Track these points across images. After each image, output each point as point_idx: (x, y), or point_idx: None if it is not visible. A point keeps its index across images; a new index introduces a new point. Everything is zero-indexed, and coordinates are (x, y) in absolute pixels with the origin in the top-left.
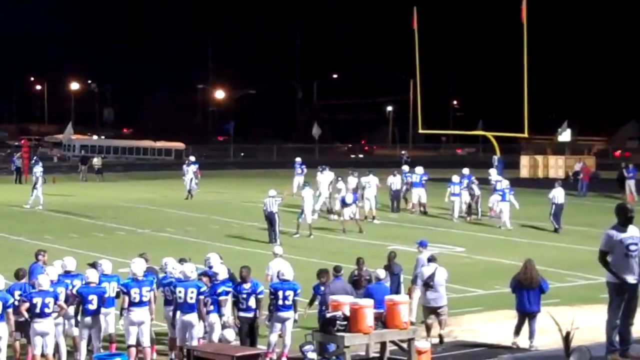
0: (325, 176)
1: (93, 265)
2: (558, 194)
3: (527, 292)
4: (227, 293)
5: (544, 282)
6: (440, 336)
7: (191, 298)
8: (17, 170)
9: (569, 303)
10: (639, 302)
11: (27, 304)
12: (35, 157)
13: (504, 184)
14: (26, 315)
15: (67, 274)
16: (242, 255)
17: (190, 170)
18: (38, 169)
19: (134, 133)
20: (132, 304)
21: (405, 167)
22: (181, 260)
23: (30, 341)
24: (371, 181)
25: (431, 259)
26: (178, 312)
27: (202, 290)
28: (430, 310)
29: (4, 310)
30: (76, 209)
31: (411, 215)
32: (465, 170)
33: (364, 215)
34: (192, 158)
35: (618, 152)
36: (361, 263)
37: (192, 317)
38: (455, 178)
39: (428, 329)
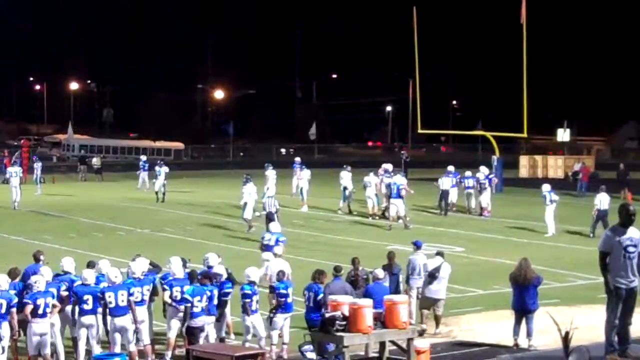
0: (271, 173)
1: (89, 265)
2: (603, 199)
3: (521, 291)
4: (228, 294)
5: (537, 278)
6: (435, 333)
7: (122, 301)
8: None
9: (568, 303)
10: (637, 302)
11: (31, 306)
12: (34, 158)
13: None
14: (30, 317)
15: (64, 274)
16: (242, 255)
17: (163, 172)
18: (14, 169)
19: (133, 133)
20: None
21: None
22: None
23: (28, 341)
24: (372, 180)
25: (439, 253)
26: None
27: (131, 291)
28: (430, 302)
29: (7, 309)
30: (76, 209)
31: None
32: (483, 169)
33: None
34: (144, 157)
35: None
36: (357, 263)
37: (126, 320)
38: (468, 173)
39: (423, 317)
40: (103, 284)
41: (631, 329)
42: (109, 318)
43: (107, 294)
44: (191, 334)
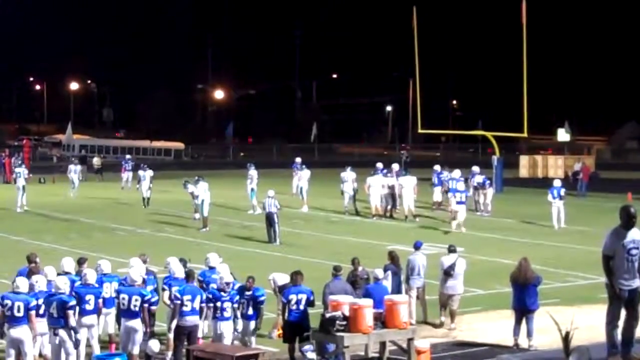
0: (254, 173)
1: (79, 261)
2: None
3: (521, 291)
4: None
5: (536, 278)
6: (449, 328)
7: (135, 306)
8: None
9: (569, 303)
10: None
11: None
12: (73, 159)
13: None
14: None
15: (64, 274)
16: (242, 255)
17: (148, 176)
18: (20, 170)
19: (132, 133)
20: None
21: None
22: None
23: None
24: (406, 181)
25: (452, 250)
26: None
27: (146, 298)
28: (445, 297)
29: (26, 312)
30: (76, 209)
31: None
32: (476, 169)
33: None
34: (128, 156)
35: None
36: (356, 263)
37: (136, 323)
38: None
39: (444, 306)
40: (106, 285)
41: (635, 331)
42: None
43: (121, 295)
44: (177, 333)
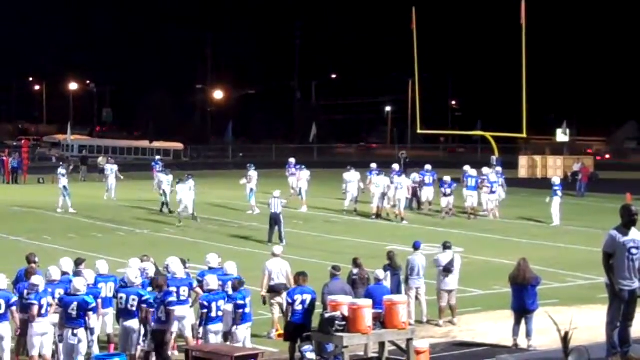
0: (254, 173)
1: (76, 262)
2: None
3: (520, 291)
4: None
5: (535, 279)
6: (452, 322)
7: (132, 306)
8: (13, 170)
9: (568, 303)
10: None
11: (37, 307)
12: (110, 159)
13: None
14: (37, 318)
15: (63, 274)
16: (242, 255)
17: (170, 180)
18: (62, 170)
19: (132, 133)
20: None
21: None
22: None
23: (28, 341)
24: (403, 182)
25: (448, 247)
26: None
27: (144, 298)
28: (446, 293)
29: (7, 309)
30: (76, 209)
31: (412, 215)
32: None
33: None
34: (158, 157)
35: None
36: (357, 263)
37: (133, 323)
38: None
39: (441, 311)
40: (101, 285)
41: (631, 331)
42: (110, 319)
43: (119, 295)
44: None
